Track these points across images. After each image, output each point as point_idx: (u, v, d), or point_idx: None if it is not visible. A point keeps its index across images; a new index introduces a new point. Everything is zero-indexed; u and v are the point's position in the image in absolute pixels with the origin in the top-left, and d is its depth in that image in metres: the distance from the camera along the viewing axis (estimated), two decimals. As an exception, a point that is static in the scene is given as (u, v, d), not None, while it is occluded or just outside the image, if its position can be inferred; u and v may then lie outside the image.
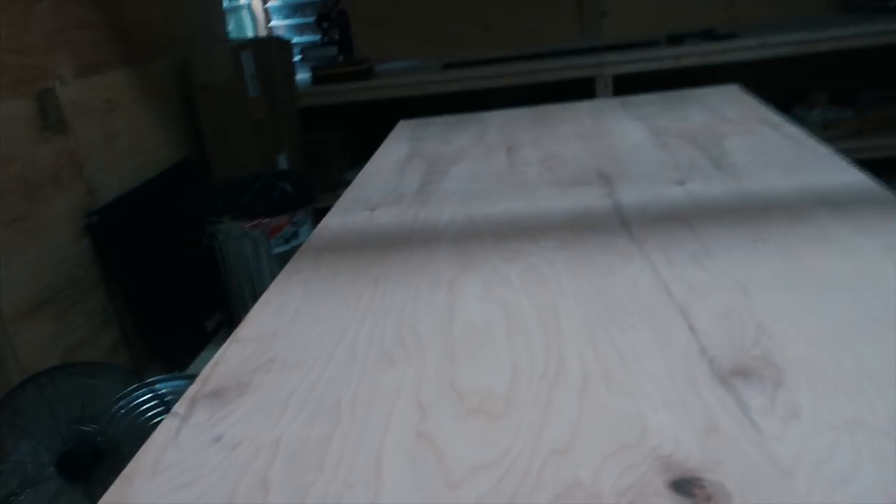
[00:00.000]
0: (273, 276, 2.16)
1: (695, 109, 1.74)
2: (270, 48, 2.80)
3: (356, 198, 1.42)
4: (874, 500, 0.51)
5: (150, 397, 1.53)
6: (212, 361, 0.85)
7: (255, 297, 2.29)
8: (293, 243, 2.27)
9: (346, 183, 3.30)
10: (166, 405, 1.54)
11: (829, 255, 0.90)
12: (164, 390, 1.49)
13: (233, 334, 0.91)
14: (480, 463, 0.61)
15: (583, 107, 1.95)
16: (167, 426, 0.73)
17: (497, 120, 1.93)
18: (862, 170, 1.18)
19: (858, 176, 1.16)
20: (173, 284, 2.29)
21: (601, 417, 0.65)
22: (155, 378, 1.53)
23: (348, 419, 0.70)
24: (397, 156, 1.70)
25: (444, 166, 1.55)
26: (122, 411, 1.49)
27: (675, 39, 2.97)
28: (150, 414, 1.50)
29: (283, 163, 2.81)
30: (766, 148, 1.36)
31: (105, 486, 1.29)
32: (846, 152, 1.34)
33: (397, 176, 1.53)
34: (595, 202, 1.20)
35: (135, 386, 1.49)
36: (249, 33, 3.48)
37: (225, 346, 0.88)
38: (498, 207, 1.24)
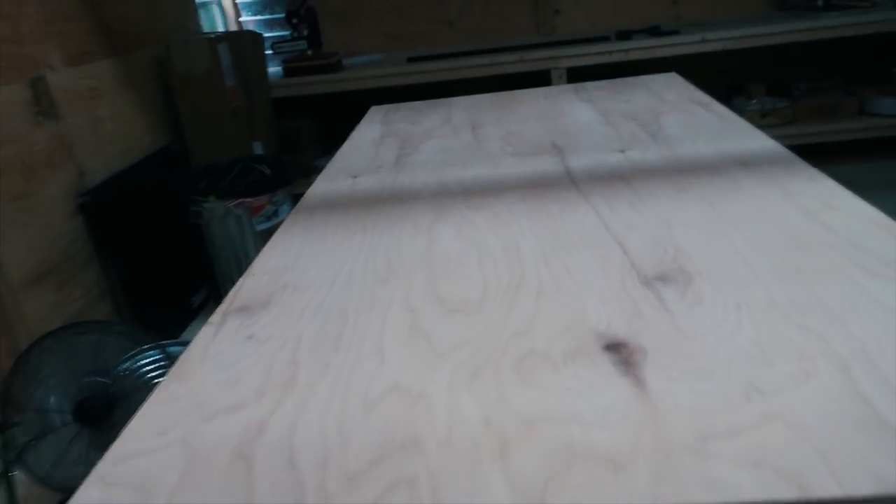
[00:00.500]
0: (257, 251, 2.31)
1: (638, 93, 1.95)
2: (245, 41, 2.95)
3: (338, 169, 1.59)
4: (750, 352, 0.71)
5: (155, 357, 1.68)
6: (233, 290, 1.02)
7: (240, 273, 2.44)
8: (274, 221, 2.43)
9: (318, 169, 3.47)
10: (171, 363, 1.69)
11: (737, 199, 1.10)
12: (172, 350, 1.64)
13: (247, 270, 1.08)
14: (460, 342, 0.80)
15: (539, 92, 2.15)
16: (205, 332, 0.90)
17: (462, 104, 2.11)
18: (775, 140, 1.40)
19: (770, 143, 1.38)
20: (161, 261, 2.42)
21: (552, 311, 0.84)
22: (162, 342, 1.68)
23: (354, 320, 0.88)
24: (372, 135, 1.88)
25: (416, 143, 1.73)
26: (131, 366, 1.64)
27: (624, 35, 3.20)
28: (156, 371, 1.65)
29: (258, 149, 2.95)
30: (696, 123, 1.57)
31: (117, 432, 1.49)
32: (782, 139, 1.55)
33: (374, 151, 1.71)
34: (549, 168, 1.39)
35: (144, 347, 1.64)
36: (221, 28, 3.61)
37: (240, 280, 1.05)
38: (466, 173, 1.43)
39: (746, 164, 1.26)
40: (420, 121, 1.97)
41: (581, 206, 1.16)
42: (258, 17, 3.60)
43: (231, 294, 1.00)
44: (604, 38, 3.20)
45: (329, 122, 3.71)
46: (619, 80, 2.17)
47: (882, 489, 0.53)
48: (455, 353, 0.78)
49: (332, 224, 1.23)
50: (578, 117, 1.77)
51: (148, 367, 1.69)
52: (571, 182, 1.29)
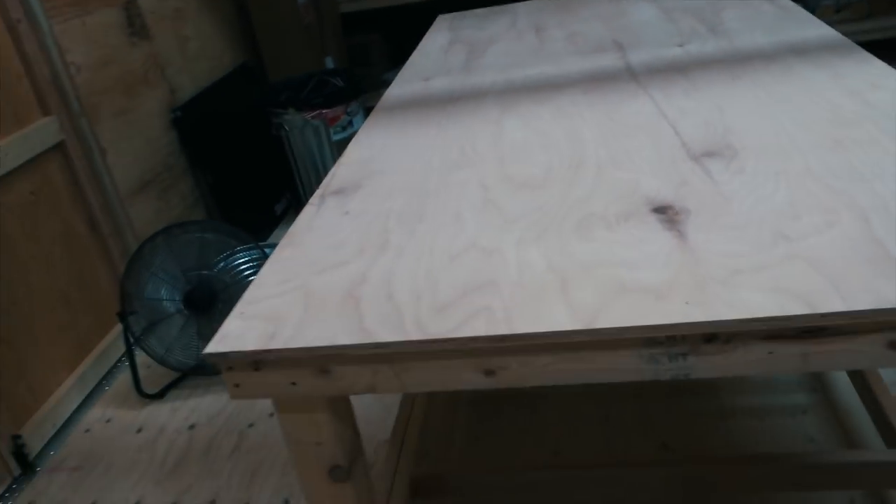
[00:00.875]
0: (334, 160, 2.46)
1: (703, -11, 1.96)
2: (313, -43, 3.03)
3: (411, 73, 1.70)
4: (782, 209, 0.81)
5: (251, 255, 1.87)
6: (328, 175, 1.16)
7: (319, 180, 2.61)
8: (349, 131, 2.57)
9: (388, 82, 3.56)
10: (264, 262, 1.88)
11: (787, 82, 1.17)
12: (267, 250, 1.83)
13: (338, 160, 1.22)
14: (527, 210, 0.92)
15: (603, -6, 2.17)
16: (308, 211, 1.05)
17: (526, 9, 2.16)
18: (851, 35, 1.43)
19: (828, 30, 1.41)
20: (246, 171, 2.61)
21: (609, 184, 0.95)
22: (259, 243, 1.87)
23: (434, 197, 1.01)
24: (440, 42, 1.97)
25: (483, 47, 1.81)
26: (230, 263, 1.84)
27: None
28: (252, 267, 1.85)
29: (329, 64, 3.07)
30: (757, 16, 1.60)
31: (220, 319, 1.68)
32: (857, 34, 1.56)
33: (443, 57, 1.80)
34: (610, 63, 1.47)
35: (242, 245, 1.83)
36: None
37: (333, 168, 1.20)
38: (531, 71, 1.52)
39: (801, 51, 1.31)
40: (486, 27, 2.04)
41: (639, 96, 1.24)
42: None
43: (326, 179, 1.14)
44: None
45: (396, 36, 3.78)
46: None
47: (879, 304, 0.64)
48: (523, 219, 0.90)
49: (410, 120, 1.35)
50: (640, 15, 1.81)
51: (245, 264, 1.88)
52: (631, 75, 1.36)
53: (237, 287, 1.86)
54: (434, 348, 0.72)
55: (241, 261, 1.90)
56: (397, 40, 3.78)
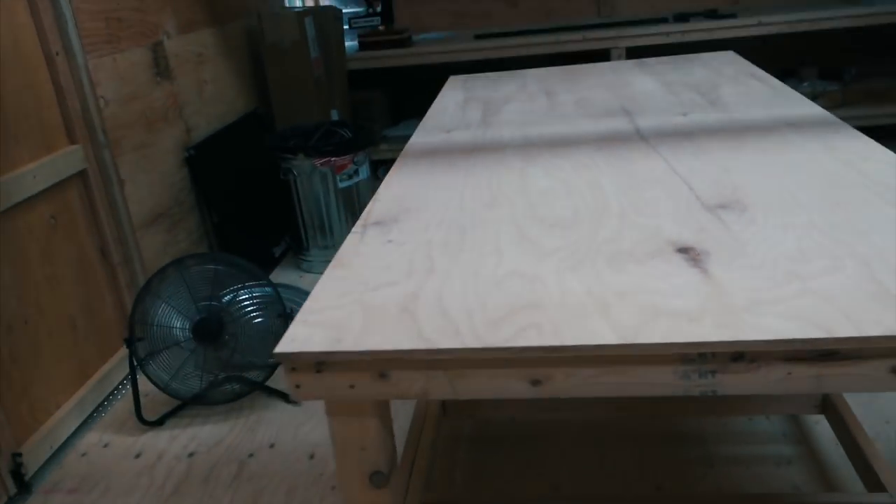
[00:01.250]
0: (338, 207, 2.54)
1: (697, 68, 2.13)
2: (326, 16, 3.18)
3: (431, 126, 1.81)
4: (793, 254, 0.92)
5: (262, 291, 1.93)
6: (364, 212, 1.25)
7: (322, 225, 2.69)
8: (356, 179, 2.66)
9: (388, 138, 3.69)
10: (278, 298, 1.94)
11: (786, 152, 1.30)
12: (280, 288, 1.89)
13: (373, 198, 1.30)
14: (560, 246, 1.02)
15: (605, 66, 2.33)
16: (352, 238, 1.13)
17: (534, 75, 2.31)
18: (820, 106, 1.58)
19: (817, 109, 1.55)
20: (251, 213, 2.68)
21: (633, 227, 1.05)
22: (268, 281, 1.93)
23: (471, 232, 1.10)
24: (456, 99, 2.09)
25: (498, 106, 1.94)
26: (241, 296, 1.89)
27: (682, 17, 3.35)
28: (261, 304, 1.90)
29: (335, 116, 3.19)
30: (751, 93, 1.75)
31: (228, 351, 1.74)
32: None
33: (461, 112, 1.93)
34: (620, 126, 1.60)
35: (254, 281, 1.89)
36: (304, 3, 3.85)
37: (369, 204, 1.28)
38: (546, 130, 1.64)
39: (796, 125, 1.45)
40: (498, 88, 2.18)
41: (651, 156, 1.36)
42: (334, -6, 3.83)
43: (364, 214, 1.23)
44: (662, 20, 3.36)
45: (398, 95, 3.94)
46: (679, 57, 2.34)
47: (885, 331, 0.73)
48: (558, 252, 1.00)
49: (437, 165, 1.45)
50: (643, 87, 1.96)
51: (254, 299, 1.94)
52: (641, 138, 1.49)
53: (245, 321, 1.91)
54: (487, 356, 0.80)
55: (251, 295, 1.95)
56: (398, 99, 3.94)
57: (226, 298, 1.94)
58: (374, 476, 0.93)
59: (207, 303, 1.90)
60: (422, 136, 1.72)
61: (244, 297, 1.96)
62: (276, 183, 2.70)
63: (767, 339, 0.75)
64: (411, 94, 3.97)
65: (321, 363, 0.84)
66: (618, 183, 1.24)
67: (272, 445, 1.82)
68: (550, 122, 1.69)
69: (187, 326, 1.89)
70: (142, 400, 2.05)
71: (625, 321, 0.81)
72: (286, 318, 1.92)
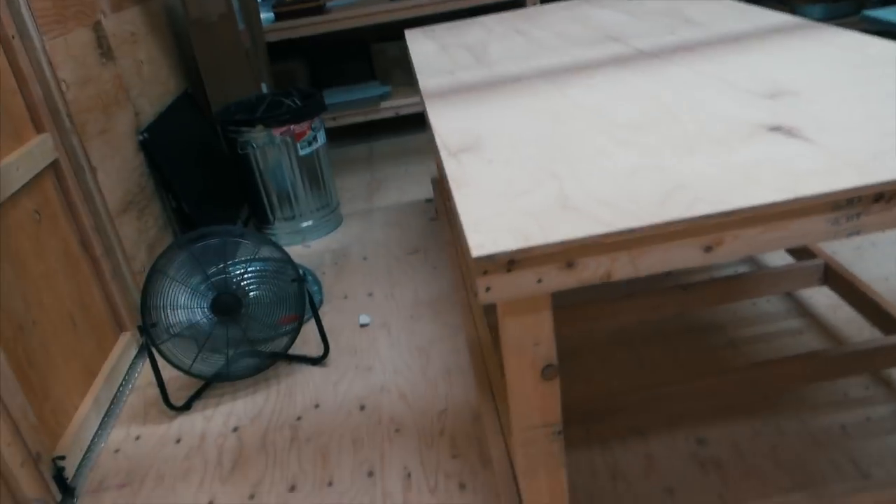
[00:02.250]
0: (301, 177, 2.51)
1: (645, -1, 2.28)
2: (243, -14, 3.09)
3: (429, 71, 1.84)
4: (870, 119, 1.06)
5: (272, 255, 1.90)
6: (439, 141, 1.28)
7: (285, 196, 2.65)
8: (315, 146, 2.63)
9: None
10: (279, 270, 1.91)
11: (792, 49, 1.45)
12: (278, 256, 1.87)
13: (432, 131, 1.34)
14: (658, 142, 1.11)
15: (555, 6, 2.43)
16: (450, 164, 1.17)
17: (489, 21, 2.37)
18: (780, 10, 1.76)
19: (790, 17, 1.73)
20: (209, 193, 2.59)
21: (712, 119, 1.16)
22: (278, 247, 1.90)
23: (562, 144, 1.17)
24: (432, 48, 2.12)
25: (481, 48, 2.00)
26: (252, 266, 1.86)
27: (586, -38, 3.52)
28: (274, 268, 1.88)
29: (265, 89, 3.12)
30: (716, 11, 1.91)
31: (249, 323, 1.73)
32: None
33: (447, 57, 1.96)
34: (620, 50, 1.70)
35: (262, 248, 1.86)
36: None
37: (437, 139, 1.32)
38: (550, 60, 1.72)
39: (782, 30, 1.61)
40: (463, 35, 2.23)
41: (671, 67, 1.48)
42: (234, -34, 3.69)
43: (441, 144, 1.27)
44: (568, -34, 3.52)
45: (314, 65, 3.88)
46: (617, -8, 2.48)
47: None
48: (661, 147, 1.09)
49: (472, 100, 1.50)
50: (609, 18, 2.08)
51: (265, 267, 1.90)
52: (649, 55, 1.60)
53: (262, 290, 1.88)
54: (667, 230, 0.88)
55: (259, 264, 1.92)
56: (318, 67, 3.89)
57: (237, 270, 1.90)
58: (546, 369, 1.00)
59: (220, 277, 1.85)
60: (429, 79, 1.75)
61: (254, 267, 1.92)
62: (233, 158, 2.62)
63: (904, 177, 0.88)
64: (328, 63, 3.92)
65: (512, 261, 0.89)
66: (665, 89, 1.35)
67: (317, 406, 1.82)
68: (547, 55, 1.78)
69: (205, 304, 1.84)
70: (153, 389, 1.98)
71: (777, 183, 0.91)
72: (301, 281, 1.91)
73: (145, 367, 2.10)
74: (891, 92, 1.14)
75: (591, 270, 0.91)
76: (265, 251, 1.90)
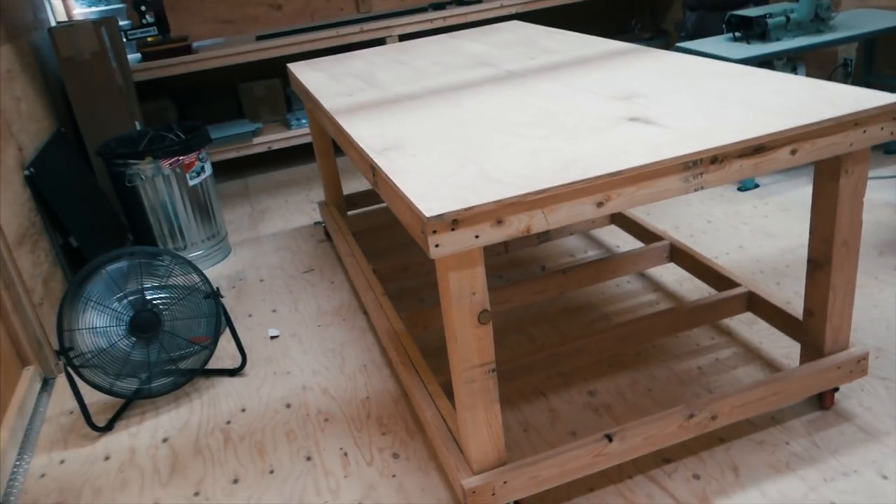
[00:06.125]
0: (189, 208, 2.59)
1: (503, 33, 2.62)
2: (113, 26, 3.12)
3: (327, 95, 2.03)
4: (697, 109, 1.39)
5: (182, 271, 1.99)
6: (361, 145, 1.49)
7: (172, 228, 2.70)
8: (203, 176, 2.72)
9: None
10: (193, 288, 2.00)
11: (635, 65, 1.81)
12: (189, 272, 1.95)
13: (351, 138, 1.54)
14: (549, 133, 1.39)
15: (425, 41, 2.71)
16: (382, 160, 1.38)
17: (367, 55, 2.61)
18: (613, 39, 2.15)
19: (626, 43, 2.11)
20: (94, 227, 2.59)
21: (587, 117, 1.46)
22: (193, 266, 1.98)
23: (472, 142, 1.42)
24: (321, 77, 2.32)
25: (369, 75, 2.22)
26: (165, 283, 1.93)
27: (439, 6, 3.88)
28: (186, 282, 1.96)
29: (138, 127, 3.15)
30: (566, 41, 2.28)
31: (168, 340, 1.88)
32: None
33: (340, 84, 2.17)
34: (494, 72, 2.00)
35: (169, 261, 1.94)
36: (57, 20, 3.64)
37: (358, 143, 1.52)
38: (437, 81, 1.98)
39: (621, 53, 1.98)
40: (348, 65, 2.45)
41: (541, 82, 1.79)
42: (93, 9, 3.67)
43: (366, 146, 1.47)
44: (422, 10, 3.84)
45: (179, 103, 3.92)
46: (475, 29, 2.82)
47: (790, 125, 1.23)
48: (552, 136, 1.37)
49: (380, 113, 1.72)
50: (475, 49, 2.39)
51: (177, 286, 1.97)
52: (519, 75, 1.91)
53: (176, 308, 1.96)
54: (570, 189, 1.15)
55: (172, 282, 1.99)
56: (185, 106, 3.93)
57: (153, 288, 1.96)
58: (482, 314, 1.23)
59: (137, 296, 1.91)
60: (330, 100, 1.95)
61: (170, 284, 1.99)
62: (119, 192, 2.64)
63: (727, 143, 1.20)
64: (196, 103, 3.98)
65: (455, 221, 1.11)
66: (542, 98, 1.64)
67: (244, 410, 1.92)
68: (433, 78, 2.04)
69: (123, 324, 1.89)
70: (75, 406, 1.98)
71: (644, 153, 1.21)
72: (215, 296, 2.01)
73: (53, 398, 2.08)
74: (709, 92, 1.50)
75: (515, 226, 1.15)
76: (179, 269, 1.99)
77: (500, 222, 1.14)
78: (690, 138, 1.24)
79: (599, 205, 1.19)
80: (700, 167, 1.21)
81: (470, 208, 1.11)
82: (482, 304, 1.22)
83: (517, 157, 1.28)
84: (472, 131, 1.47)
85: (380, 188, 1.39)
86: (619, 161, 1.19)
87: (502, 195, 1.12)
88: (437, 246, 1.12)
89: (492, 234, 1.14)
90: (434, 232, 1.11)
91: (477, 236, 1.14)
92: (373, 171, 1.41)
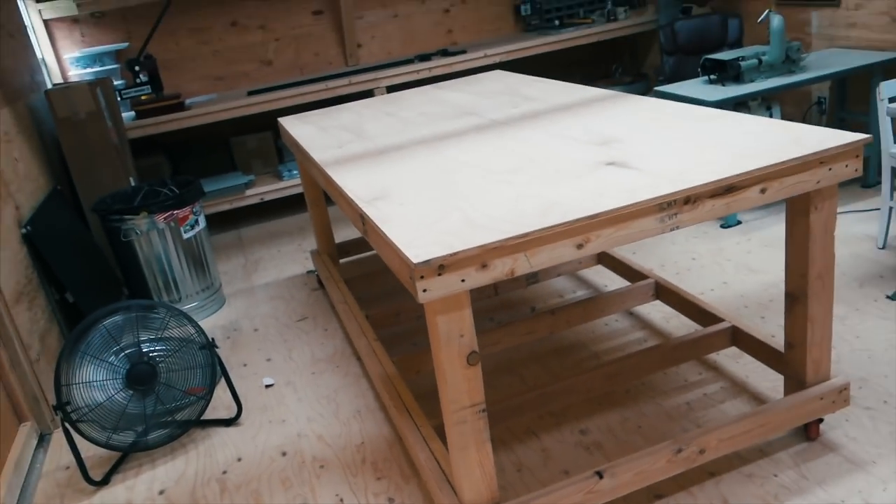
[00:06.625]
0: (184, 260, 2.64)
1: (487, 82, 2.71)
2: (107, 86, 3.20)
3: (317, 147, 2.10)
4: (675, 152, 1.46)
5: (178, 323, 2.02)
6: (353, 195, 1.54)
7: (167, 280, 2.74)
8: (197, 229, 2.77)
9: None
10: (188, 340, 2.04)
11: (613, 110, 1.88)
12: (185, 324, 1.98)
13: (343, 189, 1.60)
14: (529, 179, 1.45)
15: (409, 92, 2.80)
16: (370, 209, 1.43)
17: (354, 107, 2.69)
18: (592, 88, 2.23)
19: (605, 90, 2.20)
20: (89, 280, 2.63)
21: (566, 161, 1.52)
22: (188, 317, 2.02)
23: (457, 190, 1.48)
24: (310, 130, 2.39)
25: (357, 127, 2.30)
26: (163, 335, 1.96)
27: (424, 57, 4.00)
28: (181, 335, 1.99)
29: (133, 183, 3.21)
30: (547, 89, 2.37)
31: (164, 392, 1.91)
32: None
33: (328, 136, 2.24)
34: (478, 121, 2.07)
35: (165, 314, 1.98)
36: (53, 82, 3.73)
37: (346, 192, 1.58)
38: (422, 131, 2.05)
39: (598, 99, 2.06)
40: (336, 118, 2.53)
41: (523, 130, 1.86)
42: (88, 70, 3.76)
43: (354, 196, 1.53)
44: (409, 62, 3.96)
45: (173, 159, 4.00)
46: (460, 80, 2.92)
47: (720, 174, 1.29)
48: (532, 182, 1.42)
49: (367, 164, 1.78)
50: (459, 100, 2.47)
51: (177, 335, 2.00)
52: (501, 124, 1.98)
53: (172, 360, 1.99)
54: (550, 233, 1.20)
55: (168, 335, 2.02)
56: (179, 162, 4.01)
57: (147, 342, 1.99)
58: (470, 356, 1.26)
59: (134, 349, 1.94)
60: (320, 152, 2.02)
61: (166, 335, 2.02)
62: (114, 248, 2.69)
63: (699, 184, 1.26)
64: (189, 157, 4.06)
65: (442, 266, 1.16)
66: (523, 145, 1.71)
67: (239, 459, 1.93)
68: (418, 128, 2.11)
69: (120, 377, 1.91)
70: (71, 461, 1.99)
71: (621, 196, 1.27)
72: (211, 347, 2.04)
73: (50, 454, 2.09)
74: (683, 135, 1.57)
75: (500, 269, 1.20)
76: (174, 321, 2.02)
77: (484, 266, 1.19)
78: (665, 180, 1.30)
79: (579, 246, 1.24)
80: (674, 208, 1.27)
81: (455, 253, 1.15)
82: (470, 346, 1.26)
83: (500, 202, 1.34)
84: (457, 179, 1.53)
85: (369, 236, 1.44)
86: (596, 204, 1.25)
87: (486, 240, 1.17)
88: (424, 290, 1.16)
89: (477, 278, 1.19)
90: (422, 277, 1.15)
91: (463, 280, 1.18)
92: (362, 219, 1.46)
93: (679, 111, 1.77)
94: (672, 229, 1.28)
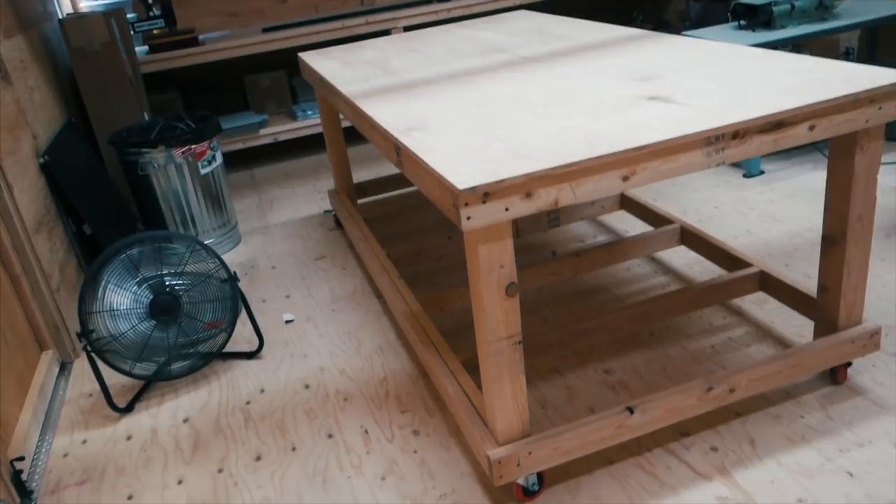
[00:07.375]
0: (200, 195, 2.61)
1: (513, 22, 2.65)
2: (121, 17, 3.13)
3: (343, 81, 2.05)
4: (718, 88, 1.42)
5: (201, 256, 2.01)
6: (383, 126, 1.51)
7: (184, 216, 2.72)
8: (214, 165, 2.74)
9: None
10: (211, 272, 2.03)
11: (647, 48, 1.84)
12: (206, 257, 1.97)
13: (375, 121, 1.56)
14: (569, 111, 1.41)
15: (435, 30, 2.73)
16: (407, 139, 1.40)
17: (378, 44, 2.63)
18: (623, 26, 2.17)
19: (634, 29, 2.14)
20: (106, 212, 2.61)
21: (606, 96, 1.49)
22: (212, 250, 2.00)
23: (496, 122, 1.44)
24: (335, 65, 2.33)
25: (384, 62, 2.24)
26: (185, 267, 1.95)
27: (442, -2, 3.90)
28: (200, 273, 1.99)
29: (146, 118, 3.16)
30: (575, 27, 2.31)
31: (187, 322, 1.90)
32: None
33: (354, 71, 2.19)
34: (508, 58, 2.02)
35: (188, 245, 1.96)
36: (64, 12, 3.65)
37: (379, 125, 1.55)
38: (451, 67, 2.00)
39: (632, 37, 2.01)
40: (359, 54, 2.47)
41: (556, 66, 1.81)
42: (99, 2, 3.68)
43: (389, 129, 1.49)
44: (427, 1, 3.87)
45: (185, 95, 3.94)
46: (485, 18, 2.84)
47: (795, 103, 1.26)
48: (573, 114, 1.39)
49: (397, 97, 1.74)
50: (489, 37, 2.41)
51: (200, 267, 1.99)
52: (533, 60, 1.94)
53: (196, 291, 1.98)
54: (597, 163, 1.18)
55: (191, 267, 2.02)
56: (192, 98, 3.95)
57: (170, 273, 1.98)
58: (509, 287, 1.25)
59: (157, 279, 1.93)
60: (347, 86, 1.97)
61: (188, 269, 2.01)
62: (131, 181, 2.66)
63: (748, 118, 1.23)
64: (202, 95, 4.00)
65: (487, 193, 1.14)
66: (559, 80, 1.67)
67: (262, 391, 1.94)
68: (447, 64, 2.06)
69: (143, 307, 1.91)
70: (94, 389, 2.01)
71: (665, 128, 1.24)
72: (233, 280, 2.04)
73: (72, 382, 2.11)
74: (725, 73, 1.53)
75: (544, 199, 1.18)
76: (198, 254, 2.01)
77: (529, 195, 1.17)
78: (711, 115, 1.27)
79: (625, 179, 1.22)
80: (722, 142, 1.24)
81: (501, 181, 1.13)
82: (510, 277, 1.25)
83: (541, 134, 1.31)
84: (494, 112, 1.50)
85: (405, 167, 1.42)
86: (642, 137, 1.22)
87: (531, 168, 1.15)
88: (468, 218, 1.14)
89: (521, 207, 1.17)
90: (466, 204, 1.13)
91: (507, 209, 1.16)
92: (397, 151, 1.44)
93: (720, 49, 1.73)
94: (718, 164, 1.26)
